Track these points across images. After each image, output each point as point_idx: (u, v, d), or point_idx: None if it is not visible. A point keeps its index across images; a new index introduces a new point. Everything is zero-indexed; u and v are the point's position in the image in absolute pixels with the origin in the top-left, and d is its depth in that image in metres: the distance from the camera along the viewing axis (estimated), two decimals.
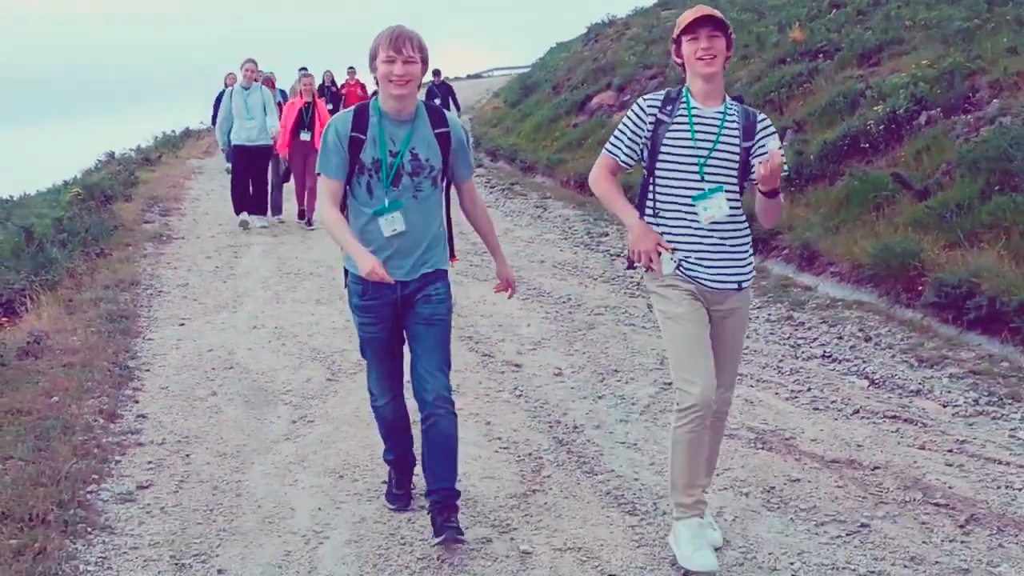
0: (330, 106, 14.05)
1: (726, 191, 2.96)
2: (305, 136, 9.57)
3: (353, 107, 3.18)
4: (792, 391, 4.94)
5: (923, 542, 3.30)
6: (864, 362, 5.50)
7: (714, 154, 2.95)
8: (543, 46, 29.46)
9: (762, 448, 4.17)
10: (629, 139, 3.03)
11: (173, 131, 20.52)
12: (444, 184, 3.28)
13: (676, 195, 2.98)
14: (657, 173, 2.99)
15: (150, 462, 3.98)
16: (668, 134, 2.96)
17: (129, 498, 3.63)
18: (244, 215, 9.84)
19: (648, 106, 3.02)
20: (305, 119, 9.62)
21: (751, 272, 3.07)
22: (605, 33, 23.39)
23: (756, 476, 3.85)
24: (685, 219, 2.98)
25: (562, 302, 6.76)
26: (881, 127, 9.13)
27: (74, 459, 3.83)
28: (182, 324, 6.22)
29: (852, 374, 5.31)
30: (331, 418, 4.52)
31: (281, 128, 9.64)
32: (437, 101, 15.44)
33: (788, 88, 11.78)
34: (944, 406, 4.79)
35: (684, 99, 3.00)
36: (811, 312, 6.60)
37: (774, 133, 2.99)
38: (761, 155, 2.93)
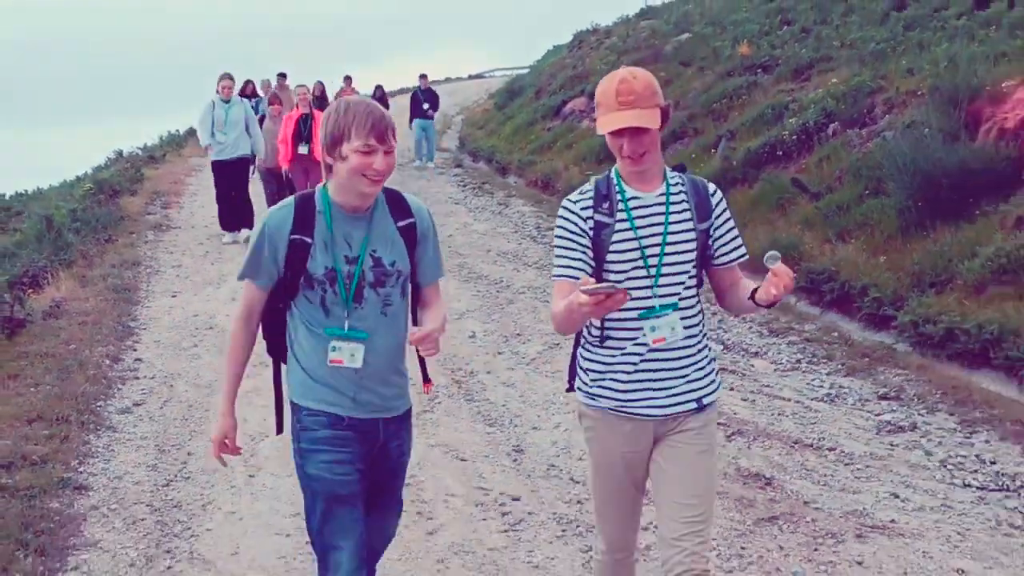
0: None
1: (681, 306, 2.35)
2: (303, 149, 9.45)
3: (293, 199, 2.40)
4: None
5: None
6: (725, 332, 6.79)
7: (666, 251, 2.33)
8: (547, 48, 30.37)
9: None
10: (578, 253, 2.34)
11: (178, 131, 21.84)
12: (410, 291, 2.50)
13: (626, 311, 2.31)
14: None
15: (143, 389, 5.32)
16: (614, 238, 2.32)
17: (127, 411, 4.97)
18: (232, 235, 9.80)
19: (581, 208, 2.35)
20: (303, 131, 9.48)
21: (715, 384, 2.45)
22: (588, 41, 24.58)
23: None
24: (634, 339, 2.36)
25: (494, 283, 8.07)
26: (795, 137, 10.40)
27: (87, 384, 5.17)
28: (174, 296, 7.57)
29: (711, 340, 6.60)
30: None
31: (280, 143, 9.57)
32: (425, 106, 16.22)
33: (729, 99, 12.99)
34: (771, 363, 6.08)
35: (617, 188, 2.35)
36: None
37: (726, 207, 2.47)
38: (729, 249, 2.42)
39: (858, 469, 4.34)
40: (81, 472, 4.18)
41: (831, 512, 3.88)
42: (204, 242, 9.81)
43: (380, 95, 17.45)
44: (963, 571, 3.41)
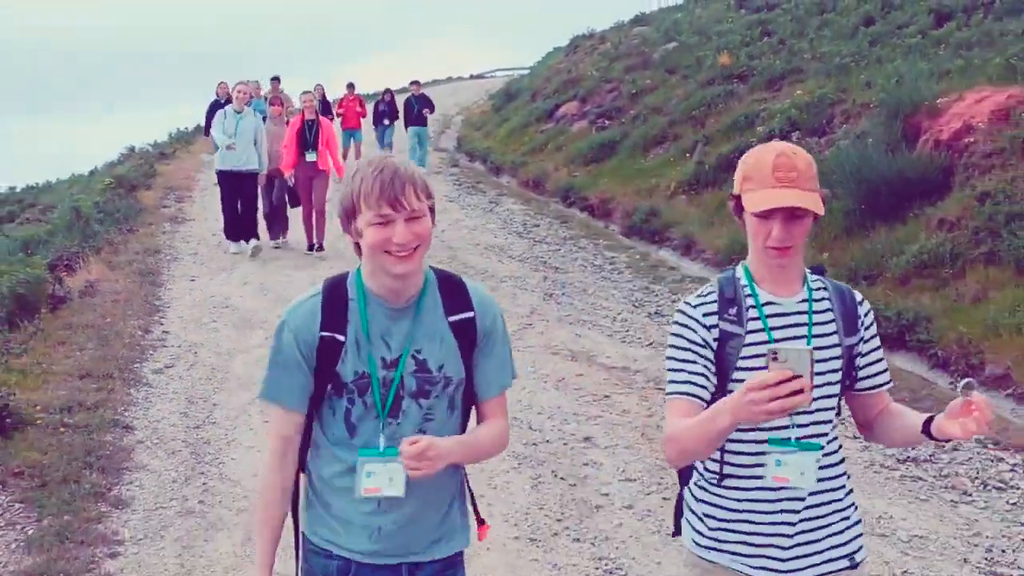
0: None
1: (822, 444, 1.97)
2: (311, 156, 9.28)
3: (321, 287, 1.95)
4: (614, 331, 7.14)
5: (636, 403, 5.50)
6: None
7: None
8: (549, 48, 30.98)
9: (571, 360, 6.37)
10: (699, 367, 1.93)
11: (186, 128, 22.69)
12: (465, 403, 2.00)
13: (756, 444, 1.95)
14: None
15: (171, 355, 6.23)
16: (744, 352, 1.93)
17: (160, 372, 5.88)
18: (237, 245, 9.58)
19: (704, 314, 1.96)
20: (308, 138, 9.28)
21: (862, 536, 2.07)
22: (583, 46, 25.44)
23: (557, 373, 6.05)
24: (762, 480, 1.96)
25: (479, 272, 8.96)
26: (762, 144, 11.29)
27: (124, 350, 6.08)
28: (192, 280, 8.47)
29: (669, 324, 7.49)
30: None
31: (283, 149, 9.41)
32: (415, 113, 15.98)
33: (708, 107, 13.83)
34: None
35: (748, 290, 1.98)
36: (665, 285, 8.78)
37: (874, 320, 2.06)
38: (876, 371, 2.06)
39: None
40: (126, 416, 5.09)
41: None
42: (217, 233, 10.69)
43: (389, 99, 16.90)
44: None
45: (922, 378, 6.22)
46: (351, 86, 17.20)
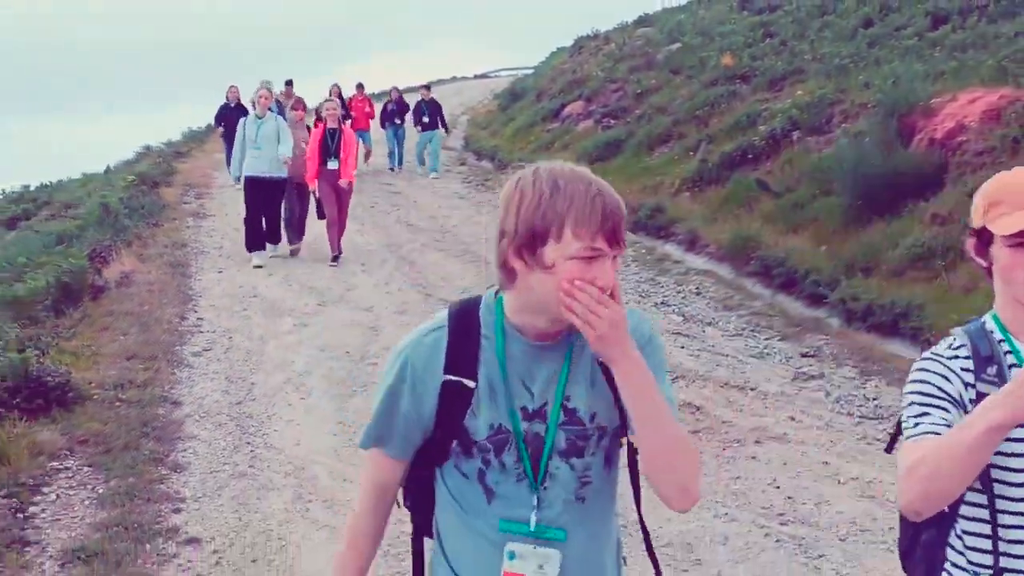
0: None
1: None
2: (333, 165, 9.05)
3: (446, 315, 1.60)
4: None
5: None
6: (686, 306, 8.08)
7: None
8: (553, 48, 31.27)
9: None
10: (950, 417, 1.58)
11: (199, 127, 23.09)
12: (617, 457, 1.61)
13: None
14: (995, 487, 1.57)
15: (208, 340, 6.64)
16: None
17: (199, 354, 6.29)
18: (260, 256, 9.16)
19: (961, 369, 1.63)
20: (330, 146, 9.08)
21: None
22: (588, 46, 25.81)
23: None
24: None
25: (492, 264, 9.34)
26: (764, 143, 11.66)
27: (164, 335, 6.51)
28: (220, 272, 8.88)
29: (673, 313, 7.90)
30: (318, 324, 7.17)
31: (307, 161, 9.12)
32: (425, 119, 15.97)
33: (712, 107, 14.18)
34: (720, 331, 7.37)
35: (1008, 346, 1.64)
36: (671, 277, 9.18)
37: None
38: None
39: (769, 402, 5.63)
40: (173, 393, 5.50)
41: (741, 427, 5.17)
42: (239, 227, 11.07)
43: (398, 97, 16.82)
44: (827, 463, 4.70)
45: (913, 361, 6.61)
46: (360, 86, 17.15)
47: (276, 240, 9.51)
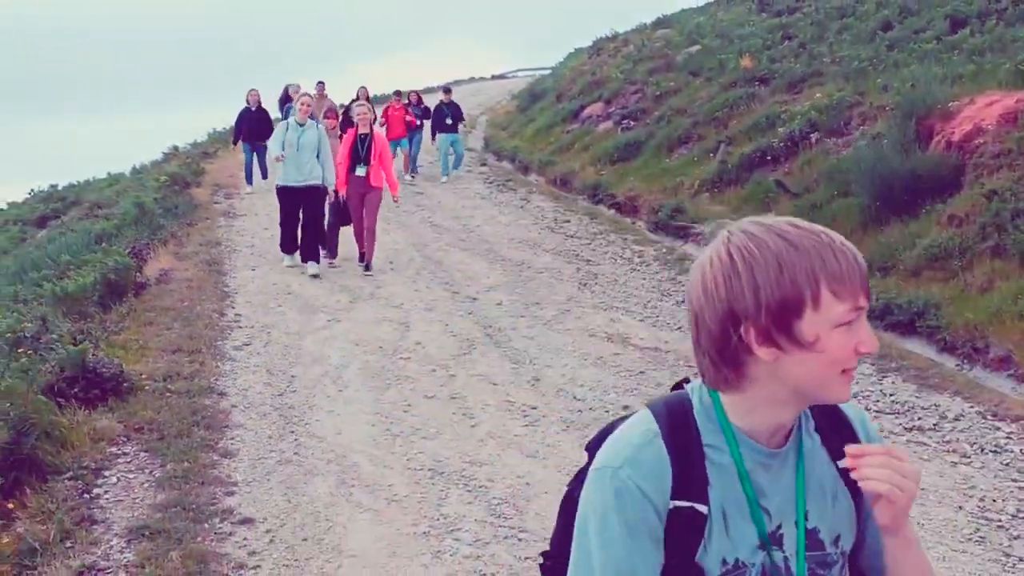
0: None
1: None
2: (360, 171, 8.88)
3: (654, 420, 1.24)
4: (645, 317, 7.75)
5: (669, 378, 6.11)
6: None
7: None
8: (570, 49, 31.48)
9: (608, 341, 6.99)
10: None
11: (224, 128, 23.50)
12: None
13: None
14: None
15: (247, 335, 6.92)
16: None
17: (240, 348, 6.56)
18: (292, 258, 9.16)
19: None
20: (360, 152, 8.90)
21: None
22: (606, 48, 25.98)
23: (596, 353, 6.67)
24: None
25: (517, 264, 9.60)
26: (783, 144, 11.84)
27: (206, 330, 6.79)
28: (253, 269, 9.17)
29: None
30: (351, 320, 7.43)
31: (336, 165, 8.96)
32: (448, 121, 16.17)
33: (731, 109, 14.36)
34: None
35: None
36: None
37: None
38: None
39: None
40: (218, 384, 5.78)
41: None
42: (268, 227, 11.41)
43: (417, 101, 16.93)
44: None
45: (931, 359, 6.78)
46: (398, 93, 16.81)
47: (314, 256, 9.02)
